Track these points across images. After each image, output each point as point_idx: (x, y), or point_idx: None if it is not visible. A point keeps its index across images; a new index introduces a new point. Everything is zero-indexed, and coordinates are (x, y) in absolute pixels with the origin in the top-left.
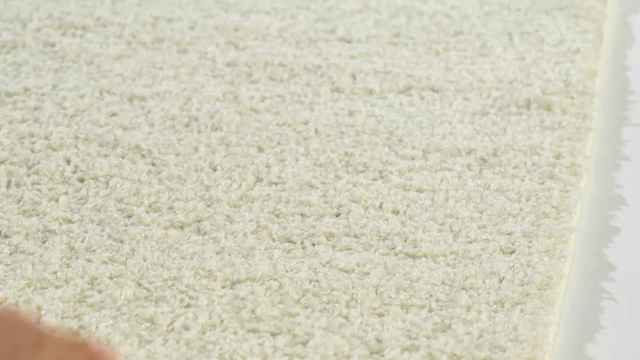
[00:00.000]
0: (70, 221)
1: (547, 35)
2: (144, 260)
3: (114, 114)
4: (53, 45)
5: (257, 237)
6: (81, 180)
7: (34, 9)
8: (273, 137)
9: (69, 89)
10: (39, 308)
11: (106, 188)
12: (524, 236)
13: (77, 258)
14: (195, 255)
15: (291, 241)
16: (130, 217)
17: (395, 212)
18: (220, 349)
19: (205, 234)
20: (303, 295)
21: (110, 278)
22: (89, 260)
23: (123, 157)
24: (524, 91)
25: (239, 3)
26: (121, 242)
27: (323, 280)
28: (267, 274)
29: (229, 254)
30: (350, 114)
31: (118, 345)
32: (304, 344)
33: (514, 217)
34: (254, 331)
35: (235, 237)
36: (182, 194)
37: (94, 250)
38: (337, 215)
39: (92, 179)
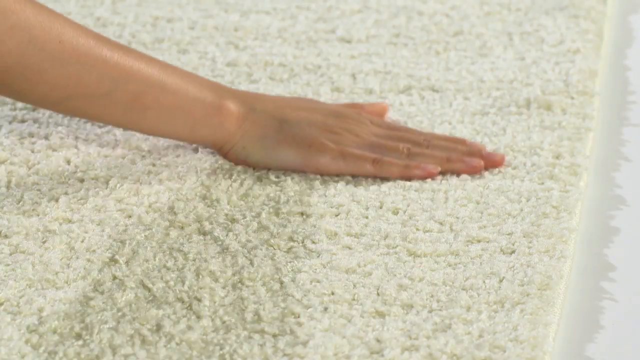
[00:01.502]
0: (70, 221)
1: (547, 35)
2: (146, 261)
3: None
4: None
5: (258, 237)
6: (81, 181)
7: None
8: None
9: None
10: (40, 309)
11: (106, 188)
12: (524, 236)
13: (77, 258)
14: (196, 255)
15: (292, 241)
16: (130, 217)
17: (396, 212)
18: (221, 349)
19: (205, 234)
20: (302, 297)
21: (112, 279)
22: (89, 261)
23: (123, 158)
24: (524, 91)
25: (239, 3)
26: (122, 242)
27: (324, 281)
28: (268, 274)
29: (230, 254)
30: None
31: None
32: (304, 344)
33: (514, 217)
34: (255, 332)
35: (236, 237)
36: (182, 194)
37: (94, 251)
38: (337, 215)
39: (92, 179)
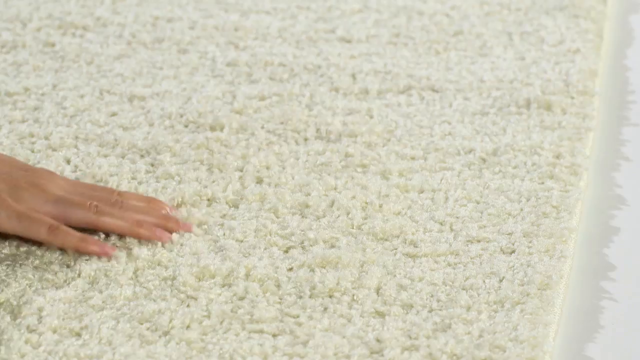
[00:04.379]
0: None
1: (547, 35)
2: (145, 261)
3: (114, 114)
4: (53, 45)
5: (257, 237)
6: None
7: (34, 9)
8: (273, 137)
9: (69, 89)
10: (40, 309)
11: None
12: (524, 236)
13: (77, 258)
14: (194, 254)
15: (291, 241)
16: None
17: (396, 212)
18: (221, 349)
19: (204, 233)
20: (302, 297)
21: (112, 279)
22: (89, 261)
23: (123, 157)
24: (524, 91)
25: (239, 3)
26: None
27: (324, 281)
28: (267, 273)
29: (229, 254)
30: (350, 113)
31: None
32: (304, 344)
33: (514, 217)
34: (255, 331)
35: (234, 236)
36: (181, 193)
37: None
38: (337, 215)
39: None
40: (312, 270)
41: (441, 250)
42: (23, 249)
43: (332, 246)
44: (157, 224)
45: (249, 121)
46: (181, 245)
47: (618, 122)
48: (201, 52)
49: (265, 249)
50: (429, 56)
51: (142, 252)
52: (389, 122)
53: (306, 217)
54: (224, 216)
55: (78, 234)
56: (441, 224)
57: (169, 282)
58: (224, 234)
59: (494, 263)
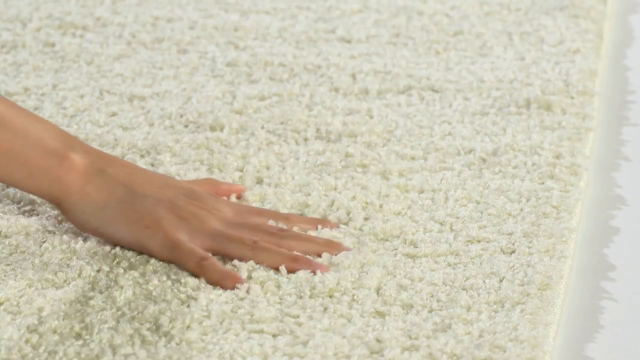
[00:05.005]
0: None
1: (547, 35)
2: (145, 261)
3: (114, 114)
4: (53, 45)
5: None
6: None
7: (34, 9)
8: (273, 137)
9: (69, 89)
10: (40, 309)
11: None
12: (524, 236)
13: (77, 258)
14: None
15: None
16: None
17: (396, 212)
18: (221, 349)
19: None
20: (302, 297)
21: (112, 279)
22: (88, 262)
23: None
24: (524, 91)
25: (239, 3)
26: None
27: (324, 281)
28: (268, 274)
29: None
30: (350, 113)
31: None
32: (304, 344)
33: (514, 217)
34: (255, 331)
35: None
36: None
37: (95, 252)
38: (337, 216)
39: None
40: (314, 271)
41: (441, 250)
42: (23, 249)
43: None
44: (319, 251)
45: (249, 121)
46: None
47: (618, 122)
48: (201, 52)
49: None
50: (429, 56)
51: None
52: (389, 122)
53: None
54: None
55: (223, 271)
56: (441, 224)
57: (169, 283)
58: None
59: (494, 263)
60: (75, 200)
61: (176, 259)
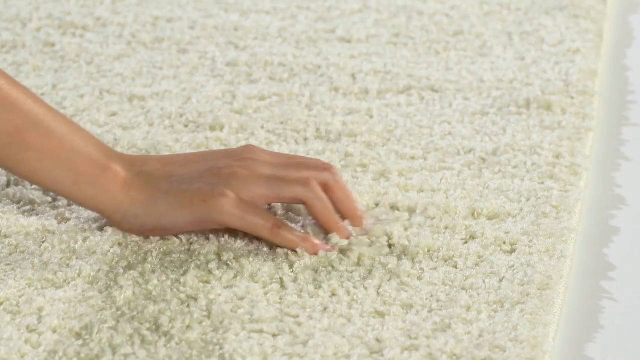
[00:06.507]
0: (69, 221)
1: (547, 35)
2: (145, 261)
3: (113, 114)
4: (53, 45)
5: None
6: None
7: (34, 9)
8: (273, 137)
9: (69, 89)
10: (40, 309)
11: None
12: (524, 236)
13: (77, 258)
14: (194, 254)
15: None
16: None
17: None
18: (221, 349)
19: (204, 233)
20: (302, 297)
21: (112, 279)
22: (88, 262)
23: None
24: (524, 91)
25: (239, 3)
26: (120, 244)
27: (325, 281)
28: (269, 273)
29: (230, 254)
30: (350, 113)
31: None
32: (304, 344)
33: (513, 217)
34: (255, 331)
35: (235, 237)
36: None
37: (94, 252)
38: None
39: None
40: (314, 271)
41: (441, 249)
42: (23, 248)
43: (333, 247)
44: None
45: (249, 121)
46: (188, 249)
47: (618, 122)
48: (201, 52)
49: (266, 249)
50: (429, 56)
51: (147, 253)
52: (389, 122)
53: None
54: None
55: (300, 235)
56: (441, 223)
57: (169, 283)
58: (225, 234)
59: (494, 263)
60: (125, 208)
61: (248, 228)
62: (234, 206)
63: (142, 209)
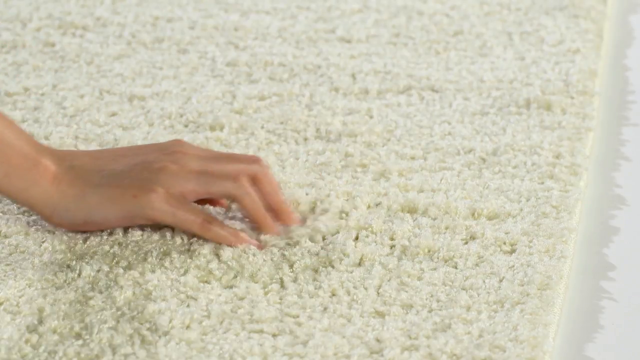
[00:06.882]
0: None
1: (547, 35)
2: (145, 261)
3: (113, 114)
4: (53, 45)
5: (256, 237)
6: None
7: (34, 9)
8: (273, 137)
9: (69, 89)
10: (40, 309)
11: None
12: (524, 236)
13: (77, 259)
14: (194, 254)
15: (292, 240)
16: None
17: (395, 211)
18: (221, 349)
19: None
20: (302, 297)
21: (112, 279)
22: (88, 262)
23: None
24: (524, 91)
25: (239, 3)
26: (120, 244)
27: (325, 281)
28: (269, 273)
29: (230, 254)
30: (350, 113)
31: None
32: (304, 344)
33: (513, 217)
34: (255, 331)
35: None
36: None
37: (94, 252)
38: (338, 215)
39: None
40: (314, 270)
41: (441, 249)
42: (23, 248)
43: (333, 246)
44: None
45: (249, 121)
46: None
47: (618, 122)
48: (201, 52)
49: (266, 248)
50: (429, 56)
51: (147, 253)
52: (389, 122)
53: (307, 218)
54: (224, 216)
55: (230, 230)
56: (441, 223)
57: (168, 283)
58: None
59: (494, 263)
60: (55, 202)
61: (179, 223)
62: (164, 202)
63: (73, 203)
